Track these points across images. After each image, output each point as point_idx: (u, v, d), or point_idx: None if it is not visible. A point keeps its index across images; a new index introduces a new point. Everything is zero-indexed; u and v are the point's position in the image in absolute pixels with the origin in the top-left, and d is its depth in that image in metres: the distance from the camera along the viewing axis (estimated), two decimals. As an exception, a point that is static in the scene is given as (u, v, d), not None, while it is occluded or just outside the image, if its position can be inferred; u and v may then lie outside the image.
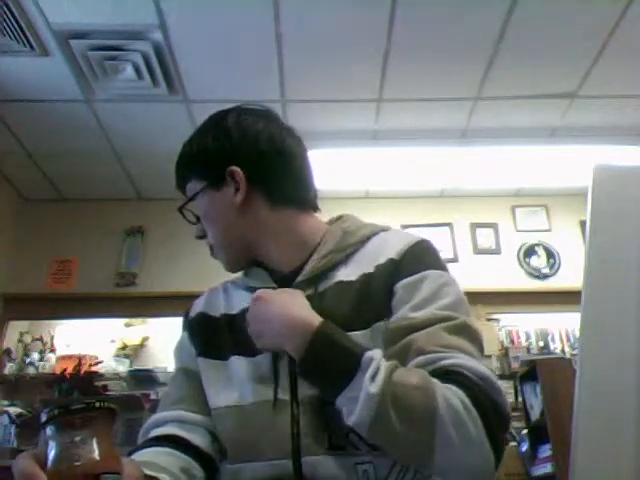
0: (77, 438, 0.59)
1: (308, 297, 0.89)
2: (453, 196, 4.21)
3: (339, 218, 1.03)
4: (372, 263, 0.91)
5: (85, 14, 2.60)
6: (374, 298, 0.88)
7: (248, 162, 0.96)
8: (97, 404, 0.61)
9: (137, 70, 2.90)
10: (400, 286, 0.87)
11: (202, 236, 1.02)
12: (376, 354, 0.75)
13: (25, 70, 2.94)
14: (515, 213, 4.22)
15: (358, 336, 0.83)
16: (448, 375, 0.74)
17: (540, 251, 4.10)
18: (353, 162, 3.71)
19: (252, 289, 0.95)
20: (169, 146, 3.55)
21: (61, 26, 2.66)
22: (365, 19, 2.69)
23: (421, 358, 0.77)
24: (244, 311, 0.92)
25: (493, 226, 4.17)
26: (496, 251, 4.10)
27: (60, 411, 0.60)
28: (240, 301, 0.98)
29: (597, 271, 0.61)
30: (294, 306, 0.84)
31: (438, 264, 0.90)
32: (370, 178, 3.97)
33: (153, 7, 2.58)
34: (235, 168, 0.96)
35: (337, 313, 0.86)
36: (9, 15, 2.55)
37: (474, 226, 4.16)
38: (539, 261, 4.07)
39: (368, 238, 0.96)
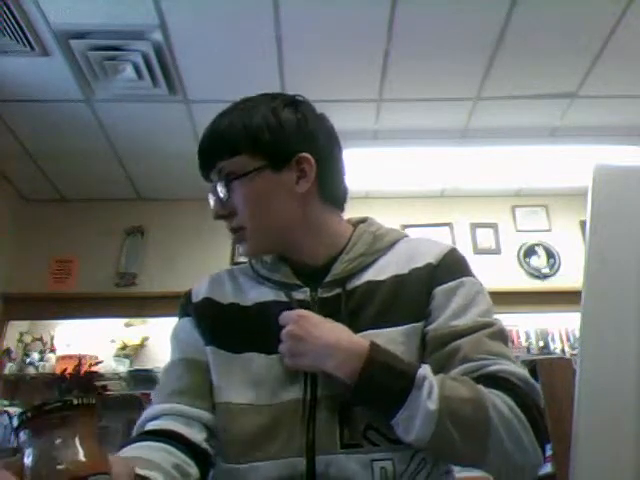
0: (57, 440, 0.54)
1: (337, 295, 0.90)
2: (453, 196, 4.21)
3: (363, 221, 1.02)
4: (405, 266, 0.92)
5: (85, 14, 2.60)
6: (408, 299, 0.89)
7: (318, 151, 0.93)
8: (75, 401, 0.56)
9: (137, 70, 2.90)
10: (439, 291, 0.89)
11: (225, 216, 0.94)
12: (427, 371, 0.78)
13: (25, 70, 2.94)
14: (515, 213, 4.22)
15: (386, 333, 0.85)
16: (495, 381, 0.79)
17: (540, 251, 4.09)
18: (353, 162, 3.71)
19: (276, 282, 0.94)
20: (169, 146, 3.59)
21: (61, 26, 2.66)
22: (365, 19, 2.69)
23: (468, 365, 0.81)
24: (260, 305, 0.93)
25: (493, 226, 4.17)
26: (496, 251, 4.10)
27: (34, 412, 0.54)
28: (255, 294, 0.95)
29: (597, 271, 0.61)
30: (343, 332, 0.83)
31: (471, 271, 0.94)
32: (370, 178, 3.97)
33: (153, 7, 2.58)
34: (308, 155, 0.92)
35: (366, 310, 0.88)
36: (9, 15, 2.55)
37: (474, 226, 4.16)
38: (539, 261, 4.07)
39: (393, 244, 0.97)
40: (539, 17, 2.70)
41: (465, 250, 4.03)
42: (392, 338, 0.85)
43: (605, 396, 0.58)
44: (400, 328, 0.86)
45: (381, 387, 0.78)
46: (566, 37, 2.83)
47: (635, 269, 0.59)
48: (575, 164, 3.75)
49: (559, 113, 3.43)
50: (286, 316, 0.86)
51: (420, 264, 0.91)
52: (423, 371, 0.78)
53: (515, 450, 0.76)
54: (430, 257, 0.92)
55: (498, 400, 0.76)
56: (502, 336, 0.86)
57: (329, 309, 0.89)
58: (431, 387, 0.75)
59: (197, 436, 0.87)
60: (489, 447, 0.75)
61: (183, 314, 1.00)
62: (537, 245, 4.11)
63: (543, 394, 2.92)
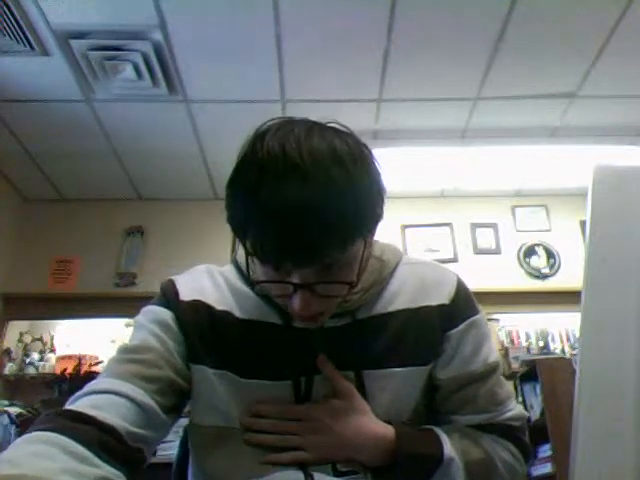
0: None
1: (346, 326, 0.85)
2: (453, 196, 4.21)
3: None
4: (415, 299, 0.89)
5: (85, 14, 2.60)
6: (418, 337, 0.87)
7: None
8: None
9: (137, 70, 2.90)
10: (452, 335, 0.89)
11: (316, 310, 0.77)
12: (450, 448, 0.83)
13: (25, 70, 2.94)
14: (515, 213, 4.23)
15: (394, 373, 0.85)
16: (504, 430, 0.90)
17: (540, 251, 4.09)
18: (353, 162, 3.70)
19: (273, 302, 0.85)
20: (169, 146, 3.59)
21: (61, 26, 2.66)
22: (365, 19, 2.69)
23: (484, 416, 0.90)
24: (252, 323, 0.86)
25: (493, 226, 4.17)
26: (496, 251, 4.10)
27: None
28: (252, 306, 0.87)
29: (597, 271, 0.61)
30: (365, 423, 0.83)
31: (476, 305, 0.95)
32: (370, 178, 3.97)
33: (153, 7, 2.58)
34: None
35: (376, 344, 0.85)
36: (9, 15, 2.55)
37: (474, 226, 4.16)
38: (539, 261, 4.07)
39: (394, 269, 0.92)
40: (539, 17, 2.70)
41: (465, 250, 4.06)
42: (401, 377, 0.85)
43: (605, 396, 0.57)
44: (409, 369, 0.85)
45: (411, 472, 0.82)
46: (566, 37, 2.83)
47: (635, 269, 0.59)
48: (575, 164, 3.75)
49: (559, 113, 3.43)
50: (297, 412, 0.83)
51: (432, 302, 0.89)
52: (448, 451, 0.82)
53: (510, 478, 0.90)
54: (443, 295, 0.90)
55: (504, 453, 0.89)
56: (501, 374, 0.94)
57: (335, 340, 0.84)
58: (457, 466, 0.82)
59: (117, 420, 0.71)
60: None
61: (165, 305, 0.91)
62: (537, 245, 4.11)
63: (543, 394, 2.91)
